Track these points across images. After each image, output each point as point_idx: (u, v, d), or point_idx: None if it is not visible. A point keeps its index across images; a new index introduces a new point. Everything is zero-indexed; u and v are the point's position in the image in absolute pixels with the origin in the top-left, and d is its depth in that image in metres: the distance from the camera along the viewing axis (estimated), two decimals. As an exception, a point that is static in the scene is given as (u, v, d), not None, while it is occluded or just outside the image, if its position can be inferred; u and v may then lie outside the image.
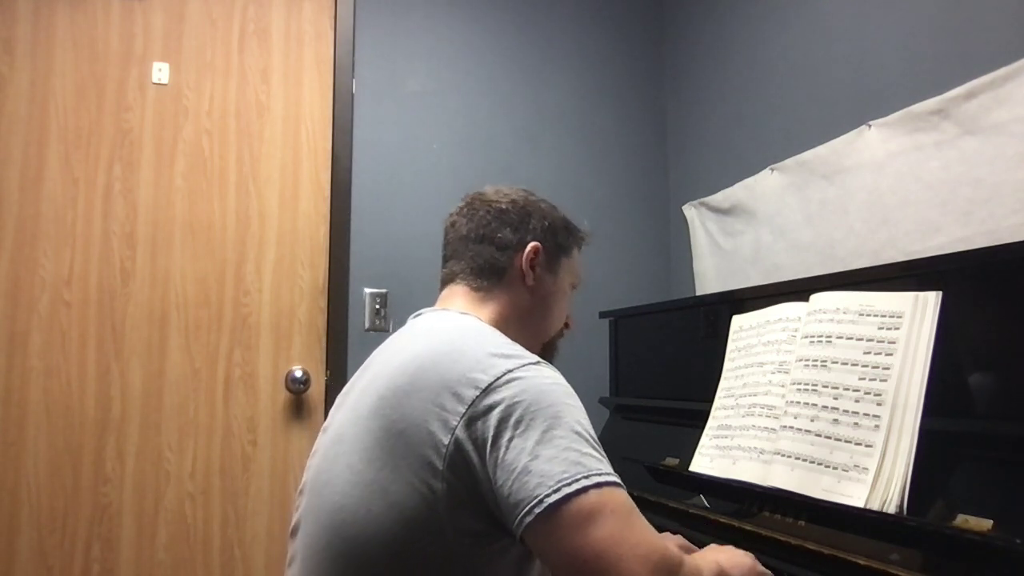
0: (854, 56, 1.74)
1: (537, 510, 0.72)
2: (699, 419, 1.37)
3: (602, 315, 1.99)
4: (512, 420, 0.77)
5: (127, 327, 1.95)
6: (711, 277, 2.22)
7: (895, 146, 1.58)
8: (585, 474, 0.74)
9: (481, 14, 2.35)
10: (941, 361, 0.98)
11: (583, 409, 0.82)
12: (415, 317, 1.02)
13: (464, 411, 0.78)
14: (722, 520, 1.19)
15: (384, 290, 2.14)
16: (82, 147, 1.96)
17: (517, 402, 0.78)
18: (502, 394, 0.78)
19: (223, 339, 2.02)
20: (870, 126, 1.64)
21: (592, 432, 0.80)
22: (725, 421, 1.31)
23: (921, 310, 1.01)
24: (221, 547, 1.96)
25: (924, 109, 1.50)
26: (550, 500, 0.71)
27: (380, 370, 0.90)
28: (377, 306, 2.13)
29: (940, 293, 1.00)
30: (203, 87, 2.06)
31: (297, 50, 2.16)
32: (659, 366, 1.75)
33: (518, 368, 0.81)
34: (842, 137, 1.72)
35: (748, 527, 1.13)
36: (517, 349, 0.86)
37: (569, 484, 0.72)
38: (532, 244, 1.03)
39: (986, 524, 0.83)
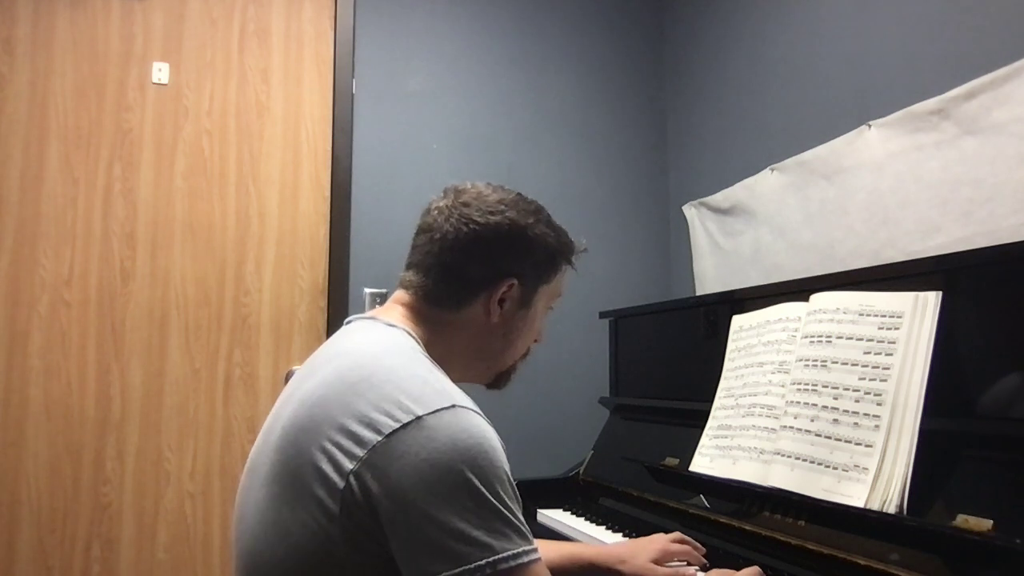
0: (854, 56, 1.74)
1: None
2: (699, 419, 1.37)
3: (602, 315, 1.99)
4: (417, 479, 0.69)
5: (127, 327, 1.95)
6: (711, 277, 2.22)
7: (895, 146, 1.58)
8: (491, 560, 0.68)
9: (481, 14, 2.35)
10: (941, 361, 0.98)
11: (501, 463, 0.73)
12: (347, 324, 0.94)
13: (362, 455, 0.71)
14: (722, 520, 1.19)
15: (384, 290, 2.14)
16: (82, 147, 1.96)
17: (424, 459, 0.69)
18: (407, 446, 0.70)
19: (223, 339, 2.02)
20: (870, 126, 1.64)
21: (509, 493, 0.73)
22: (725, 421, 1.31)
23: (921, 310, 1.01)
24: (221, 547, 1.96)
25: (924, 109, 1.50)
26: None
27: (291, 396, 0.84)
28: (377, 306, 2.13)
29: (940, 293, 1.00)
30: (203, 87, 2.06)
31: (297, 50, 2.16)
32: (659, 366, 1.75)
33: (429, 415, 0.72)
34: (842, 137, 1.72)
35: (748, 527, 1.13)
36: (433, 383, 0.77)
37: (472, 572, 0.67)
38: (507, 282, 0.90)
39: (986, 524, 0.83)
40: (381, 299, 2.13)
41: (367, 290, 2.13)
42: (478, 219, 0.89)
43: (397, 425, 0.71)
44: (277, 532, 0.75)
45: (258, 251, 2.07)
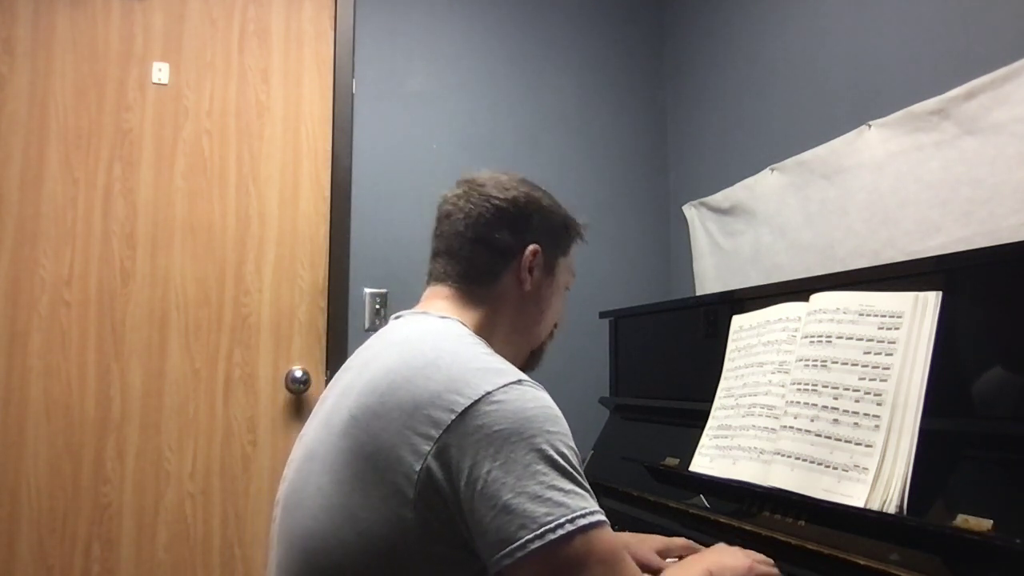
0: (854, 56, 1.74)
1: (519, 554, 0.70)
2: (699, 419, 1.37)
3: (602, 315, 1.99)
4: (491, 450, 0.73)
5: (127, 327, 1.95)
6: (711, 277, 2.22)
7: (895, 146, 1.58)
8: (569, 517, 0.71)
9: (481, 14, 2.35)
10: (941, 361, 0.98)
11: (567, 433, 0.78)
12: (395, 319, 0.98)
13: (438, 436, 0.74)
14: (722, 520, 1.19)
15: (384, 290, 2.14)
16: (82, 147, 1.95)
17: (497, 430, 0.74)
18: (480, 420, 0.74)
19: (223, 339, 2.02)
20: (870, 126, 1.64)
21: (576, 460, 0.77)
22: (725, 421, 1.31)
23: (921, 310, 1.01)
24: (221, 547, 1.96)
25: (924, 109, 1.50)
26: (533, 546, 0.69)
27: (352, 382, 0.86)
28: (377, 306, 2.13)
29: (940, 293, 1.01)
30: (203, 87, 2.06)
31: (297, 50, 2.16)
32: (659, 366, 1.75)
33: (498, 389, 0.76)
34: (842, 137, 1.72)
35: (748, 527, 1.13)
36: (497, 363, 0.82)
37: (554, 530, 0.70)
38: (531, 247, 0.97)
39: (986, 524, 0.83)
40: (381, 299, 2.13)
41: (367, 290, 2.13)
42: (496, 195, 0.97)
43: (468, 402, 0.75)
44: (344, 518, 0.77)
45: (258, 251, 2.07)
